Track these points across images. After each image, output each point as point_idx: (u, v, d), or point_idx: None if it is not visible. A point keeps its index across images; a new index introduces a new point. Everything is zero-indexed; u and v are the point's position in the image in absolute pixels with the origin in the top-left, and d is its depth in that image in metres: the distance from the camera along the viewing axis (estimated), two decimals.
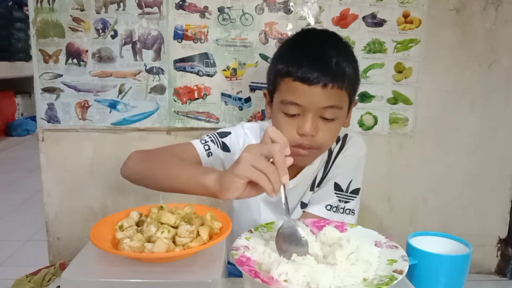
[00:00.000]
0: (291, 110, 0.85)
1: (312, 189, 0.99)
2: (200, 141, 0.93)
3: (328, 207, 0.93)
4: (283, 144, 0.64)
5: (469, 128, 1.61)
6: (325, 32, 0.94)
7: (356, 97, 0.94)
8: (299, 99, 0.83)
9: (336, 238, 0.68)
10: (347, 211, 0.93)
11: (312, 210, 0.94)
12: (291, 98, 0.84)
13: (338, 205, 0.93)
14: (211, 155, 0.92)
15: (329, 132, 0.87)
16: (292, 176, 0.98)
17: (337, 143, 0.98)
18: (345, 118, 0.91)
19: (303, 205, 0.99)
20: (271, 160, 0.63)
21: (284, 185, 0.64)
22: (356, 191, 0.95)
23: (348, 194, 0.94)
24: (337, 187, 0.94)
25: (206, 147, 0.91)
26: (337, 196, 0.93)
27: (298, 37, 0.93)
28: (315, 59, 0.83)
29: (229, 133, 0.97)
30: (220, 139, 0.95)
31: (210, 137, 0.94)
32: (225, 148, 0.95)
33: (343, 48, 0.89)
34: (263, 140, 0.65)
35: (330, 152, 0.98)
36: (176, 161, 0.78)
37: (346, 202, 0.94)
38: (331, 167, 0.97)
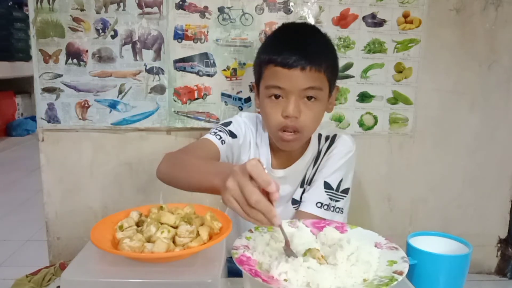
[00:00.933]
0: (275, 92, 0.91)
1: (302, 186, 1.02)
2: (211, 133, 0.99)
3: (319, 205, 0.95)
4: (264, 183, 0.56)
5: (469, 128, 1.61)
6: (304, 24, 1.04)
7: (339, 85, 1.01)
8: (281, 82, 0.89)
9: (336, 239, 0.68)
10: (337, 210, 0.96)
11: (304, 208, 0.97)
12: (274, 82, 0.90)
13: (329, 203, 0.96)
14: (224, 142, 0.98)
15: (311, 113, 0.91)
16: (283, 167, 1.02)
17: (326, 141, 1.02)
18: (327, 102, 0.96)
19: (294, 202, 1.02)
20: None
21: (280, 227, 0.61)
22: (346, 191, 0.98)
23: (339, 193, 0.97)
24: (327, 185, 0.97)
25: (219, 137, 0.97)
26: (328, 195, 0.96)
27: (279, 30, 1.01)
28: (294, 45, 0.90)
29: (231, 122, 1.04)
30: (226, 128, 1.01)
31: (217, 129, 1.01)
32: (232, 135, 1.01)
33: (321, 37, 0.96)
34: (240, 177, 0.58)
35: (319, 150, 1.02)
36: (193, 164, 0.82)
37: (336, 201, 0.97)
38: (319, 164, 1.01)
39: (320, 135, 1.02)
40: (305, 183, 1.02)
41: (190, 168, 0.81)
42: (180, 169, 0.83)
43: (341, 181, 0.97)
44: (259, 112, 1.04)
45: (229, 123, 1.03)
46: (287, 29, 1.00)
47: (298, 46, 0.90)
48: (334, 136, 1.01)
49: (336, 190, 0.97)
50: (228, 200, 0.59)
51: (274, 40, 0.98)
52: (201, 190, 0.74)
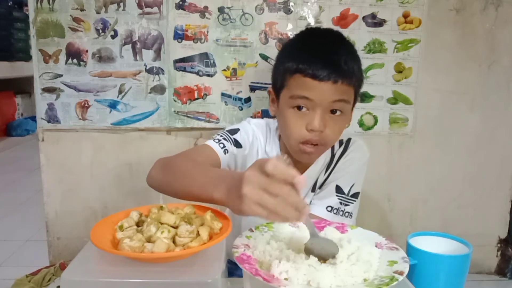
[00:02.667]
0: (301, 104, 0.87)
1: (313, 190, 1.00)
2: (214, 140, 0.94)
3: (329, 209, 0.94)
4: (290, 177, 0.54)
5: (469, 128, 1.61)
6: (331, 31, 0.98)
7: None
8: (309, 93, 0.85)
9: (337, 239, 0.68)
10: (346, 214, 0.95)
11: (313, 210, 0.94)
12: (302, 93, 0.86)
13: (339, 207, 0.94)
14: (227, 152, 0.94)
15: (336, 128, 0.89)
16: None
17: (340, 146, 1.00)
18: (349, 115, 0.93)
19: None
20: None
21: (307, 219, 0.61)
22: (356, 195, 0.97)
23: (349, 198, 0.95)
24: (338, 189, 0.95)
25: (221, 145, 0.93)
26: (339, 199, 0.95)
27: (304, 35, 0.97)
28: (326, 57, 0.86)
29: (238, 129, 0.99)
30: (231, 136, 0.97)
31: (222, 136, 0.96)
32: (237, 144, 0.96)
33: (350, 47, 0.93)
34: (259, 179, 0.55)
35: (333, 155, 0.99)
36: (190, 171, 0.77)
37: (346, 205, 0.95)
38: (333, 169, 0.99)
39: None
40: (316, 188, 1.00)
41: (186, 176, 0.76)
42: (174, 176, 0.78)
43: (352, 185, 0.96)
44: (257, 115, 1.01)
45: (236, 131, 0.98)
46: (314, 36, 0.96)
47: (330, 58, 0.86)
48: (348, 141, 1.00)
49: (347, 195, 0.95)
50: (250, 208, 0.54)
51: (302, 47, 0.93)
52: (198, 200, 0.70)
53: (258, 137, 1.01)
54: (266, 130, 1.03)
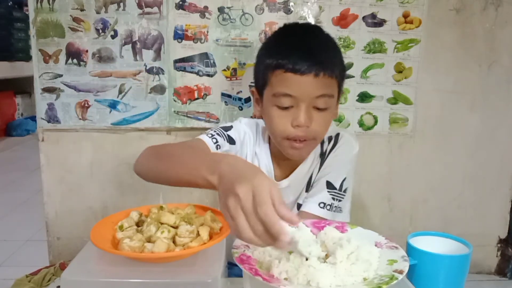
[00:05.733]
0: (284, 102, 0.85)
1: (307, 190, 0.99)
2: (207, 135, 0.93)
3: (322, 205, 0.92)
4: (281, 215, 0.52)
5: (469, 128, 1.61)
6: (308, 25, 0.98)
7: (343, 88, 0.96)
8: (291, 90, 0.84)
9: (337, 238, 0.68)
10: (339, 210, 0.94)
11: (305, 208, 0.94)
12: (284, 90, 0.84)
13: (332, 203, 0.93)
14: (220, 148, 0.93)
15: (323, 121, 0.87)
16: (285, 176, 0.99)
17: (329, 142, 0.98)
18: (335, 108, 0.92)
19: (300, 206, 0.98)
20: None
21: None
22: (346, 190, 0.95)
23: (341, 192, 0.94)
24: (329, 185, 0.94)
25: (214, 140, 0.92)
26: (331, 194, 0.93)
27: (282, 31, 0.95)
28: (305, 49, 0.85)
29: (231, 126, 0.99)
30: (225, 132, 0.96)
31: (216, 131, 0.95)
32: (231, 140, 0.96)
33: (329, 39, 0.92)
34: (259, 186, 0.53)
35: (323, 153, 0.98)
36: (179, 154, 0.75)
37: (339, 200, 0.94)
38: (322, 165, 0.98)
39: None
40: (310, 187, 0.99)
41: (176, 159, 0.74)
42: (161, 160, 0.77)
43: (344, 179, 0.95)
44: (254, 116, 1.00)
45: (229, 128, 0.98)
46: (292, 30, 0.94)
47: (310, 50, 0.85)
48: (337, 136, 0.98)
49: (339, 190, 0.94)
50: (234, 207, 0.53)
51: (280, 43, 0.91)
52: (188, 185, 0.68)
53: (249, 136, 1.00)
54: (256, 130, 1.02)
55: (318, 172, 0.98)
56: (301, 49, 0.85)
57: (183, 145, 0.86)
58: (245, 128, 1.00)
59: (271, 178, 0.58)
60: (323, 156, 0.98)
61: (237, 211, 0.53)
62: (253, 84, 1.50)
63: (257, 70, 0.93)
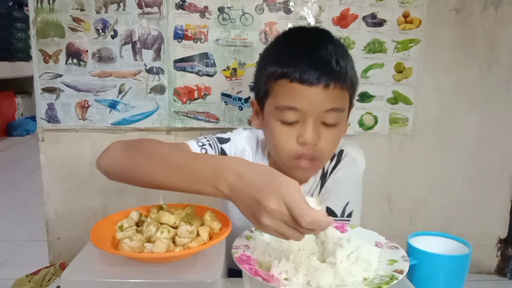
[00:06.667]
0: (289, 117, 0.75)
1: None
2: (197, 142, 0.83)
3: None
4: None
5: (469, 128, 1.61)
6: (317, 29, 0.84)
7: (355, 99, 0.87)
8: (298, 103, 0.73)
9: (337, 238, 0.68)
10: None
11: None
12: (289, 103, 0.74)
13: None
14: None
15: (332, 139, 0.77)
16: None
17: (331, 161, 0.87)
18: (345, 123, 0.82)
19: None
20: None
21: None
22: (350, 214, 0.84)
23: (344, 218, 0.83)
24: (330, 212, 0.81)
25: (204, 151, 0.82)
26: None
27: (288, 36, 0.83)
28: (314, 57, 0.74)
29: (229, 139, 0.89)
30: (219, 145, 0.86)
31: (208, 141, 0.86)
32: (223, 154, 0.86)
33: (340, 46, 0.80)
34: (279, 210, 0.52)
35: (324, 173, 0.88)
36: (165, 155, 0.66)
37: None
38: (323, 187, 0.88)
39: None
40: None
41: (168, 161, 0.64)
42: (149, 160, 0.65)
43: (347, 204, 0.82)
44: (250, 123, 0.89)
45: (226, 140, 0.88)
46: (298, 35, 0.82)
47: (319, 58, 0.73)
48: (340, 153, 0.87)
49: (341, 216, 0.82)
50: (275, 224, 0.52)
51: (285, 49, 0.79)
52: (185, 191, 0.61)
53: (248, 154, 0.89)
54: (256, 145, 0.91)
55: (318, 195, 0.88)
56: (309, 56, 0.74)
57: (167, 144, 0.75)
58: (244, 144, 0.90)
59: (286, 177, 0.54)
60: (324, 177, 0.88)
61: (281, 226, 0.52)
62: (253, 84, 1.50)
63: (258, 79, 0.82)
